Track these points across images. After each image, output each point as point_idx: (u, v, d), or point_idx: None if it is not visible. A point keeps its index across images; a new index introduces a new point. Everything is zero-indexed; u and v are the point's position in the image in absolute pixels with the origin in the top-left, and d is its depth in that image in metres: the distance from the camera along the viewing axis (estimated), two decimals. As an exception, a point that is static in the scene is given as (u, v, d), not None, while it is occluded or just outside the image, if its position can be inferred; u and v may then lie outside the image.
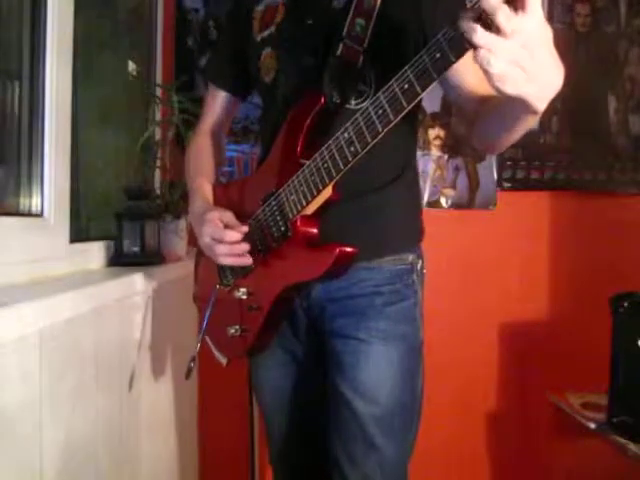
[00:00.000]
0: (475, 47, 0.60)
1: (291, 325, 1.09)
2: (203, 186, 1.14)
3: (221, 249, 1.00)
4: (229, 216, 1.02)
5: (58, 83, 1.19)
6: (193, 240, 1.82)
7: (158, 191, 1.77)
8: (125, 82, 1.80)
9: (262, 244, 1.01)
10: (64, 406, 0.95)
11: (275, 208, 0.97)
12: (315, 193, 0.90)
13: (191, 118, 1.76)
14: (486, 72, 0.61)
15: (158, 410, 1.52)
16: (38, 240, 1.12)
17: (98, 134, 1.60)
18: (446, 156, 2.03)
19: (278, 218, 0.96)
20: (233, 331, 1.06)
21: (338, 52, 0.94)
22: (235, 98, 1.22)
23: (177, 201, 1.70)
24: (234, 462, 1.98)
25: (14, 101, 1.17)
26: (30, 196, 1.17)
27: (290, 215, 0.94)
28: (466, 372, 1.99)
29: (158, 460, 1.51)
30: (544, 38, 0.61)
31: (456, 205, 2.03)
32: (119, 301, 1.18)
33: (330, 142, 0.86)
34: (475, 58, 0.61)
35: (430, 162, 2.02)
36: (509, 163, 2.04)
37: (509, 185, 2.04)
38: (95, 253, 1.37)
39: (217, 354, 1.17)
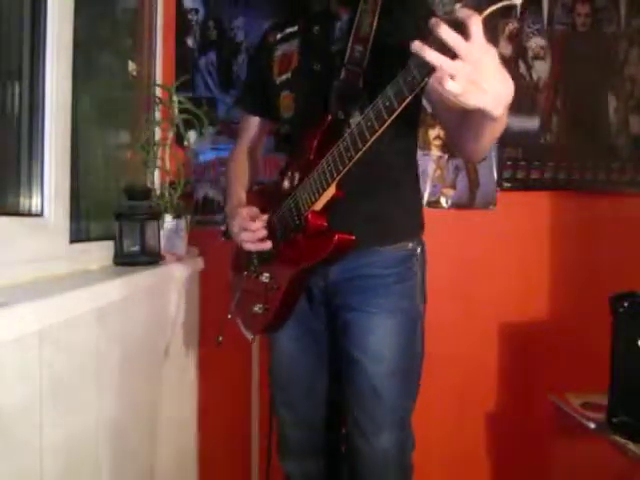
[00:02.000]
0: (435, 70, 0.74)
1: (308, 301, 1.31)
2: (238, 191, 1.38)
3: (245, 235, 1.23)
4: (254, 210, 1.26)
5: (58, 83, 1.18)
6: (193, 240, 1.83)
7: (158, 191, 1.77)
8: (125, 82, 1.80)
9: (282, 235, 1.23)
10: (64, 406, 0.95)
11: (292, 205, 1.19)
12: (321, 191, 1.11)
13: (191, 118, 1.76)
14: (444, 90, 0.74)
15: (158, 410, 1.52)
16: (38, 240, 1.12)
17: (98, 134, 1.59)
18: (446, 156, 2.02)
19: (294, 213, 1.18)
20: (257, 309, 1.27)
21: (342, 76, 1.15)
22: (265, 121, 1.45)
23: (177, 201, 1.70)
24: (234, 461, 1.98)
25: (14, 101, 1.17)
26: (30, 196, 1.17)
27: (303, 210, 1.15)
28: (466, 372, 1.99)
29: (158, 460, 1.51)
30: (489, 57, 0.76)
31: (456, 205, 2.03)
32: (119, 301, 1.18)
33: (333, 149, 1.06)
34: (435, 80, 0.75)
35: (430, 162, 2.02)
36: (509, 163, 2.03)
37: (509, 185, 2.04)
38: (95, 253, 1.37)
39: (244, 331, 1.38)
